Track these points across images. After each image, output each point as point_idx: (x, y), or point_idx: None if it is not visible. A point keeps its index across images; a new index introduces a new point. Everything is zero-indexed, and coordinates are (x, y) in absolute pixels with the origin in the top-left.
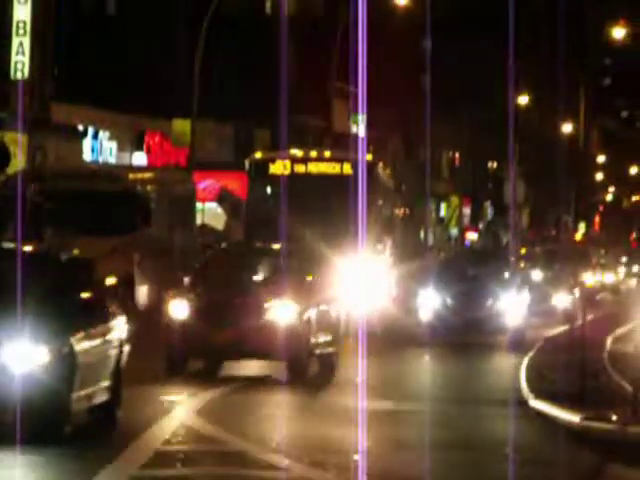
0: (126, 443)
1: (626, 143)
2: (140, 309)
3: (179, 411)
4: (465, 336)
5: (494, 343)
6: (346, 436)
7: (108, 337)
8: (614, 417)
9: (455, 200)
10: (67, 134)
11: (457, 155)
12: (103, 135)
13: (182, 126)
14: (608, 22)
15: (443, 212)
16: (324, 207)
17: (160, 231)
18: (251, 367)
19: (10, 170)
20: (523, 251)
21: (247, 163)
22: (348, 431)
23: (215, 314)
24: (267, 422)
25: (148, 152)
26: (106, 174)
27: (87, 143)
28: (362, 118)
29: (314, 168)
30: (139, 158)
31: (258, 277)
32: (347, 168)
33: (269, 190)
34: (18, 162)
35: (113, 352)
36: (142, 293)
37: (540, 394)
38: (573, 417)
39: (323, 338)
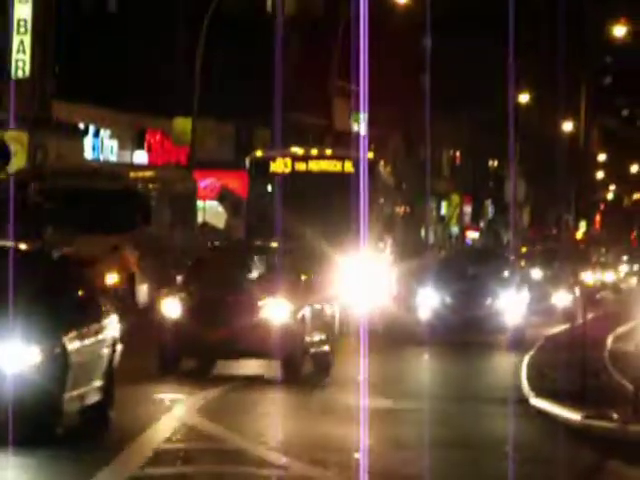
0: (121, 444)
1: (627, 142)
2: (140, 307)
3: (175, 410)
4: (465, 335)
5: (494, 342)
6: (346, 434)
7: (101, 336)
8: (615, 416)
9: (456, 198)
10: (68, 132)
11: (458, 153)
12: (104, 133)
13: (183, 124)
14: (609, 20)
15: (444, 210)
16: (325, 205)
17: (161, 229)
18: (246, 366)
19: (11, 168)
20: (524, 250)
21: (247, 161)
22: (349, 429)
23: (208, 312)
24: (267, 420)
25: (149, 150)
26: (107, 172)
27: (88, 141)
28: (363, 117)
29: (315, 166)
30: (140, 156)
31: (252, 275)
32: (348, 166)
33: (270, 188)
34: (19, 160)
35: (106, 351)
36: (142, 291)
37: (541, 392)
38: (574, 415)
39: (318, 337)
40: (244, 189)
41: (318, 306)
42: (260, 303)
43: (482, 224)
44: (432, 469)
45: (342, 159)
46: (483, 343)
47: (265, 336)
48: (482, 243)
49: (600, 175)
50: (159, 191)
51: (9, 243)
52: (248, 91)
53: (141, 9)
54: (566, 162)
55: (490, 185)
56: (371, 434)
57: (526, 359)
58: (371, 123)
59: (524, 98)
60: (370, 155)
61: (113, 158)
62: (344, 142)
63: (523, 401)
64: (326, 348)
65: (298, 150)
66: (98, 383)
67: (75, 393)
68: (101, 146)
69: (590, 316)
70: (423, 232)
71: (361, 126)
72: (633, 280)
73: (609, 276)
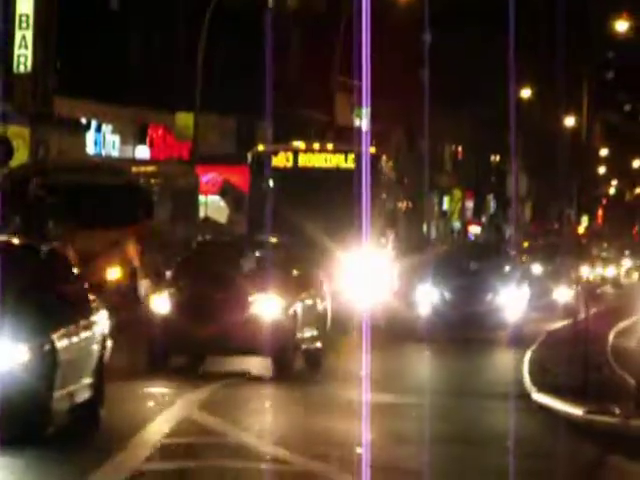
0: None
1: (629, 137)
2: (142, 302)
3: (172, 406)
4: (465, 331)
5: (494, 338)
6: (348, 429)
7: (90, 332)
8: (617, 411)
9: (458, 193)
10: (70, 127)
11: (460, 148)
12: (106, 128)
13: (185, 119)
14: (611, 15)
15: (446, 205)
16: (327, 200)
17: (162, 224)
18: (238, 363)
19: (13, 163)
20: (526, 244)
21: (249, 156)
22: (350, 424)
23: (197, 308)
24: (267, 415)
25: (151, 145)
26: (109, 167)
27: (90, 136)
28: (365, 111)
29: (317, 161)
30: (142, 151)
31: (243, 270)
32: (350, 161)
33: (272, 183)
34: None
35: (95, 348)
36: (144, 286)
37: (543, 387)
38: (576, 410)
39: (309, 333)
40: (246, 184)
41: (310, 302)
42: (250, 299)
43: (484, 219)
44: (434, 464)
45: (344, 153)
46: (484, 339)
47: (255, 332)
48: (484, 238)
49: (602, 170)
50: (161, 186)
51: None
52: (250, 86)
53: (143, 3)
54: (568, 157)
55: (492, 180)
56: (373, 429)
57: (528, 354)
58: (373, 118)
59: (526, 93)
60: (372, 149)
61: (115, 153)
62: (346, 137)
63: (525, 396)
64: (318, 344)
65: (300, 145)
66: (88, 380)
67: (64, 391)
68: (103, 141)
69: (591, 311)
70: (425, 227)
71: (363, 121)
72: (634, 275)
73: (610, 271)
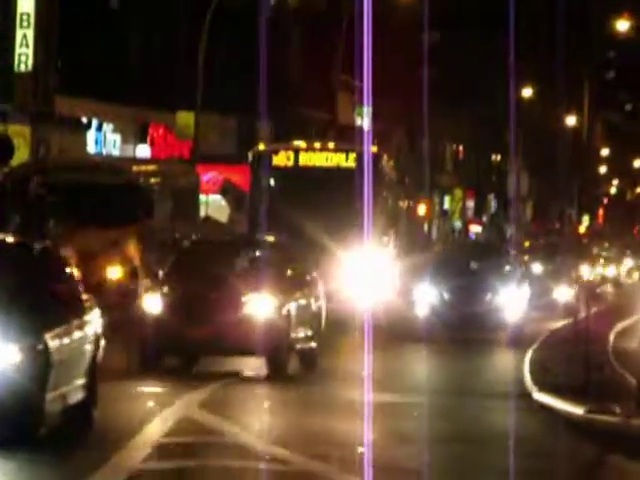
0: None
1: (630, 136)
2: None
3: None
4: (464, 332)
5: (494, 339)
6: (349, 428)
7: (83, 332)
8: (617, 410)
9: (459, 193)
10: (71, 126)
11: (461, 148)
12: (107, 127)
13: (186, 119)
14: (612, 15)
15: (447, 205)
16: (328, 199)
17: (163, 223)
18: (232, 363)
19: (14, 162)
20: (527, 244)
21: (250, 155)
22: (351, 423)
23: (190, 308)
24: (268, 415)
25: (152, 144)
26: (109, 166)
27: (91, 135)
28: (367, 110)
29: (318, 160)
30: (143, 150)
31: (236, 270)
32: (351, 159)
33: (272, 182)
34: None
35: (89, 348)
36: (145, 285)
37: (543, 387)
38: (576, 410)
39: (303, 333)
40: (247, 183)
41: (304, 301)
42: (244, 298)
43: (485, 218)
44: (435, 463)
45: (345, 152)
46: (483, 340)
47: (249, 332)
48: (485, 237)
49: (603, 169)
50: (161, 185)
51: None
52: (251, 85)
53: (143, 2)
54: (569, 156)
55: (493, 179)
56: (374, 428)
57: (529, 354)
58: (374, 117)
59: (527, 92)
60: (374, 149)
61: (116, 152)
62: (347, 136)
63: (526, 395)
64: (312, 344)
65: (301, 144)
66: (81, 381)
67: (57, 392)
68: (104, 140)
69: (592, 311)
70: (426, 226)
71: (365, 120)
72: (635, 275)
73: (610, 270)
